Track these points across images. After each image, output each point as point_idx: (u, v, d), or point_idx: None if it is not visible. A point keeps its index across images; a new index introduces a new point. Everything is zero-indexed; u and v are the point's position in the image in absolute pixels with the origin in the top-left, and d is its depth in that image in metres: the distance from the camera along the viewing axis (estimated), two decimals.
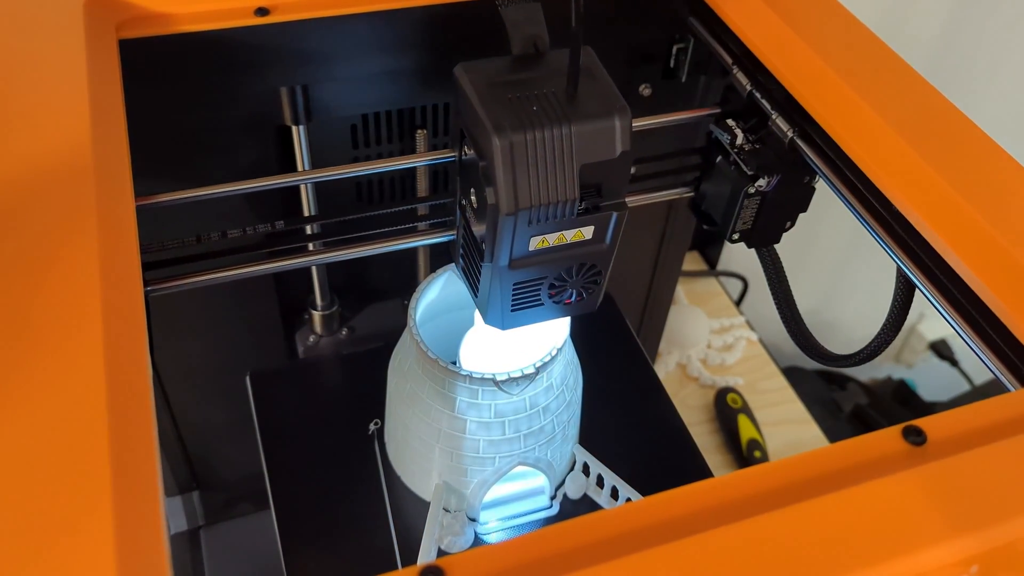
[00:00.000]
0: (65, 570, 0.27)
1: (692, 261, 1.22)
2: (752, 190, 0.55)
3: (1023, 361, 0.39)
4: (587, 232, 0.46)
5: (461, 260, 0.52)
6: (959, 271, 0.42)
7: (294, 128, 0.59)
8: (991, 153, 0.46)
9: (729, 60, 0.56)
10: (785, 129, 0.52)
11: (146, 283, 0.46)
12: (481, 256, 0.47)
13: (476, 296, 0.51)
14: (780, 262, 0.61)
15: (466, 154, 0.47)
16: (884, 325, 0.51)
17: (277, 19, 0.52)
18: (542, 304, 0.50)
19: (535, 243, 0.46)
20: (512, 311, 0.49)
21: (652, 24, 0.62)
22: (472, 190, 0.46)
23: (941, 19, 1.10)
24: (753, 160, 0.55)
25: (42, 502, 0.29)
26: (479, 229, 0.46)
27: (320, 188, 0.63)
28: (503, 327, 0.51)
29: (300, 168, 0.62)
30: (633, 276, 0.85)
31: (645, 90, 0.66)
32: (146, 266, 0.46)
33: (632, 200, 0.62)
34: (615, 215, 0.46)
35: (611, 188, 0.45)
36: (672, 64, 0.65)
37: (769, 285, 0.61)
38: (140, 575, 0.28)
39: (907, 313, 0.49)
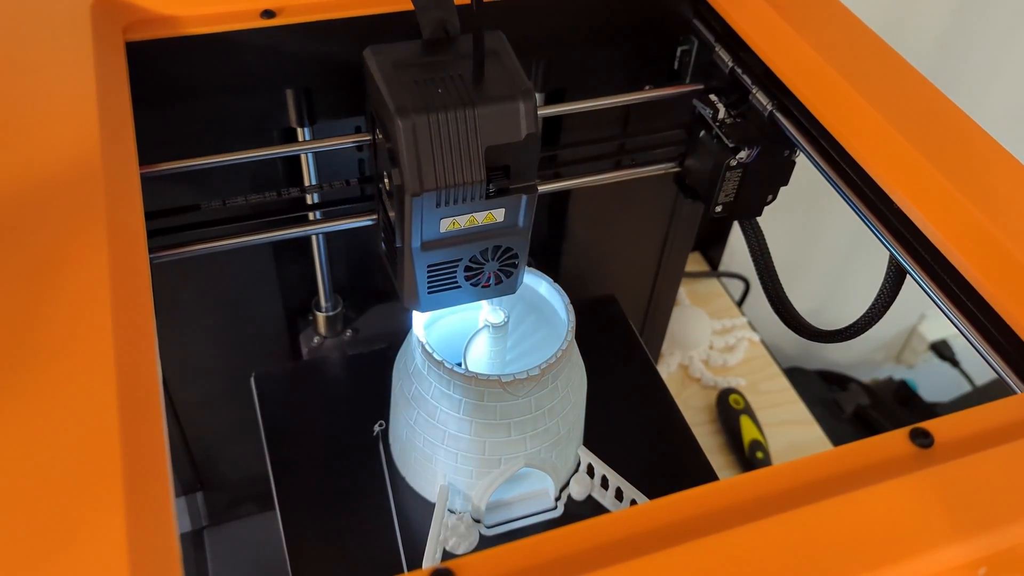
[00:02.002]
0: (78, 570, 0.27)
1: (694, 262, 1.22)
2: (734, 162, 0.57)
3: None
4: (499, 214, 0.47)
5: (383, 244, 0.53)
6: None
7: (299, 130, 0.59)
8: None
9: (711, 38, 0.58)
10: (765, 102, 0.54)
11: (150, 251, 0.47)
12: (396, 238, 0.48)
13: (395, 279, 0.52)
14: (763, 235, 0.62)
15: (378, 138, 0.47)
16: (873, 303, 0.52)
17: (283, 21, 0.52)
18: (459, 287, 0.50)
19: (446, 225, 0.46)
20: (429, 293, 0.50)
21: (656, 26, 0.62)
22: (385, 173, 0.47)
23: (941, 21, 1.10)
24: (734, 133, 0.57)
25: (55, 501, 0.29)
26: (393, 213, 0.47)
27: (323, 171, 0.64)
28: (422, 310, 0.51)
29: (304, 169, 0.62)
30: (636, 277, 0.85)
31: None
32: (150, 234, 0.46)
33: (621, 175, 0.63)
34: (525, 197, 0.46)
35: (519, 170, 0.46)
36: (676, 66, 0.65)
37: (752, 257, 0.62)
38: (152, 575, 0.28)
39: (897, 291, 0.50)
